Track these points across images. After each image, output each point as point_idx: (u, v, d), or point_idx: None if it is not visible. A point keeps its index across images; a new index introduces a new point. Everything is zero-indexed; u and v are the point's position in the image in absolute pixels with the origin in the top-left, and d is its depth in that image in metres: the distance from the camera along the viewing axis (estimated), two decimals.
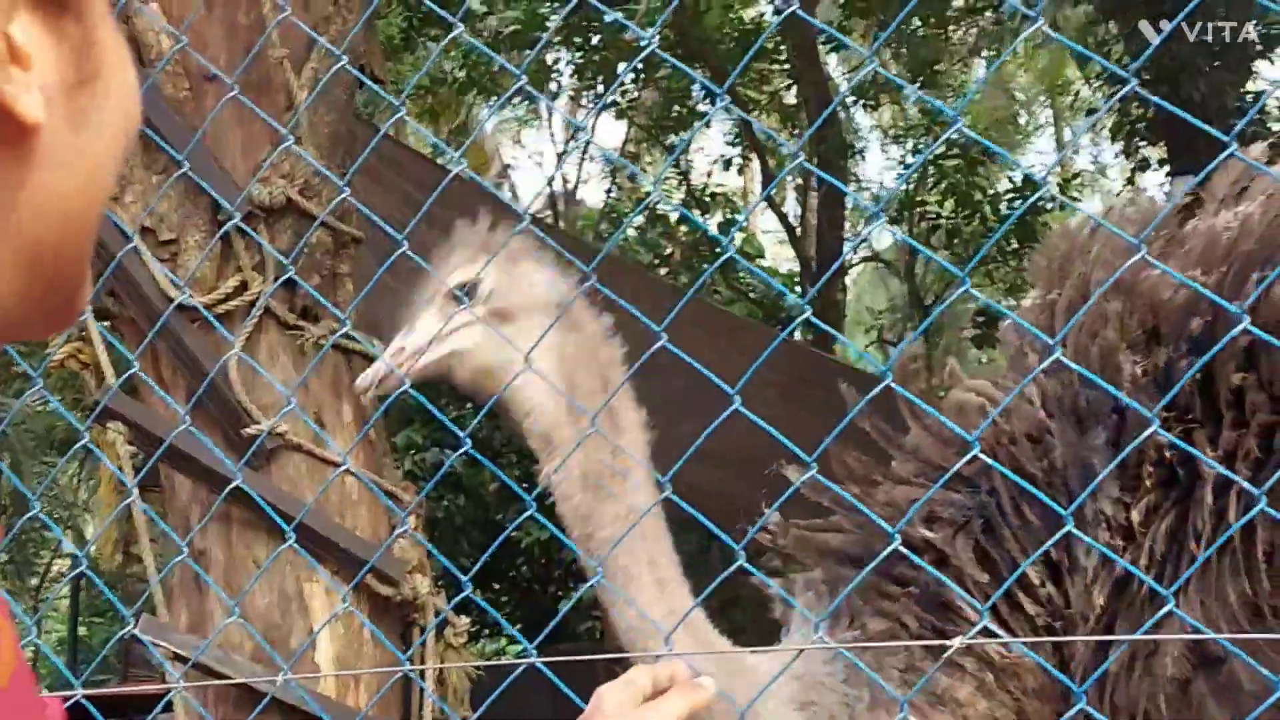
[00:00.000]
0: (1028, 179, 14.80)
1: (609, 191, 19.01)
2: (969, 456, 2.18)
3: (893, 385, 2.09)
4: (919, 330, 15.36)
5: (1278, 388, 2.48)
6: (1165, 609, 1.97)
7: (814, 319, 1.99)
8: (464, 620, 4.79)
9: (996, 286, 15.65)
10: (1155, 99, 2.30)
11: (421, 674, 4.55)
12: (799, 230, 17.32)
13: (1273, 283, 2.48)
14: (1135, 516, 2.52)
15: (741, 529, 2.28)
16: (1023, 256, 14.26)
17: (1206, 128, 2.08)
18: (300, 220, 4.78)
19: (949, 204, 14.83)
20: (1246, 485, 2.06)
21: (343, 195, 2.69)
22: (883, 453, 2.98)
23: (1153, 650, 2.46)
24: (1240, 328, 1.85)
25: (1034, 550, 2.56)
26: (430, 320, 2.82)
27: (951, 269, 2.02)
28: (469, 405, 14.65)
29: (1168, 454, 2.53)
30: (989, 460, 2.30)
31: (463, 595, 2.64)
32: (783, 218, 17.61)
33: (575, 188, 18.27)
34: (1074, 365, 2.26)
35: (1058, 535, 2.09)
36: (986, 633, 1.92)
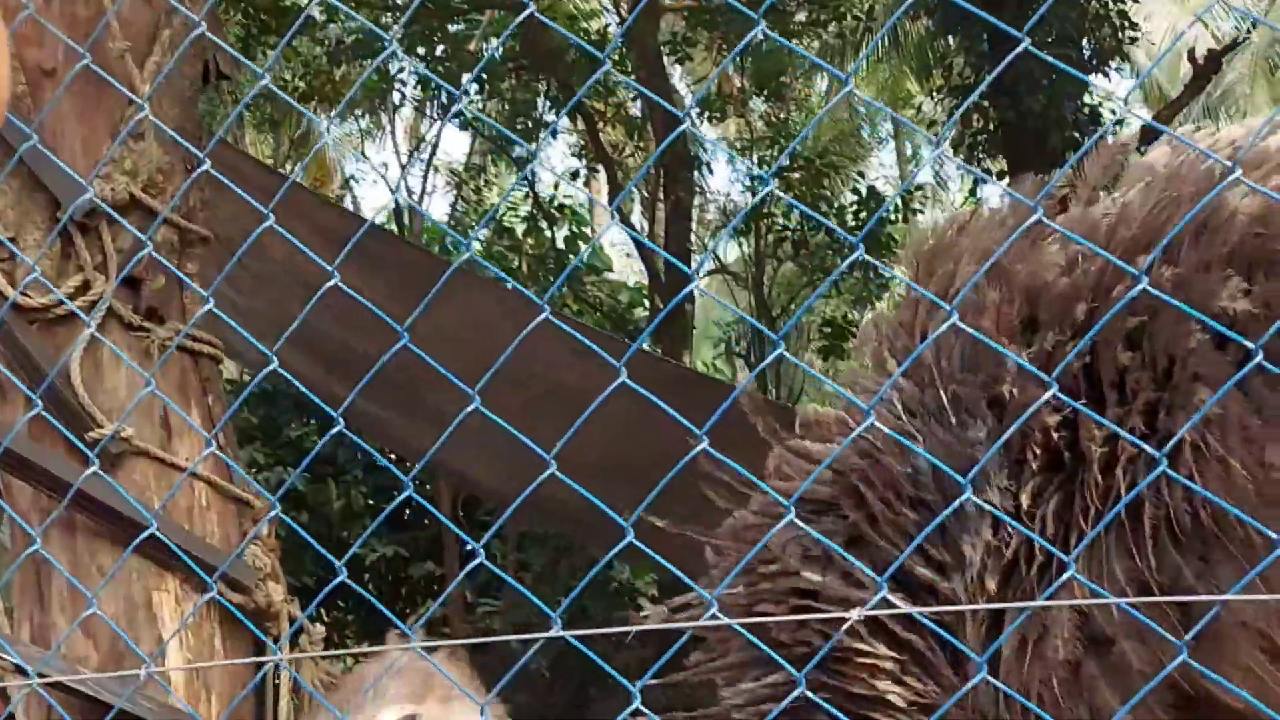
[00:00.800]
0: (872, 190, 15.00)
1: (454, 205, 18.84)
2: (865, 425, 2.13)
3: (785, 355, 2.04)
4: (784, 330, 15.41)
5: (1161, 365, 2.48)
6: (1065, 575, 1.93)
7: (703, 289, 1.92)
8: (319, 628, 4.66)
9: (844, 297, 15.82)
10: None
11: (276, 683, 4.41)
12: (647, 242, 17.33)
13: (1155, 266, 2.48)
14: (1024, 500, 2.49)
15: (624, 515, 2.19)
16: (869, 268, 14.42)
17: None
18: (145, 218, 4.62)
19: (795, 215, 14.96)
20: (1145, 447, 2.05)
21: (203, 167, 2.56)
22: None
23: (1042, 633, 2.44)
24: (1140, 286, 1.83)
25: (915, 552, 2.52)
26: None
27: (847, 236, 1.97)
28: (311, 422, 14.42)
29: (1054, 437, 2.51)
30: (891, 434, 2.25)
31: (335, 582, 2.51)
32: (632, 231, 17.60)
33: (420, 200, 18.05)
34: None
35: (954, 504, 2.04)
36: (885, 604, 1.87)
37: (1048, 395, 1.88)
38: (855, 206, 15.01)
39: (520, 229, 16.88)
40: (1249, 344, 1.82)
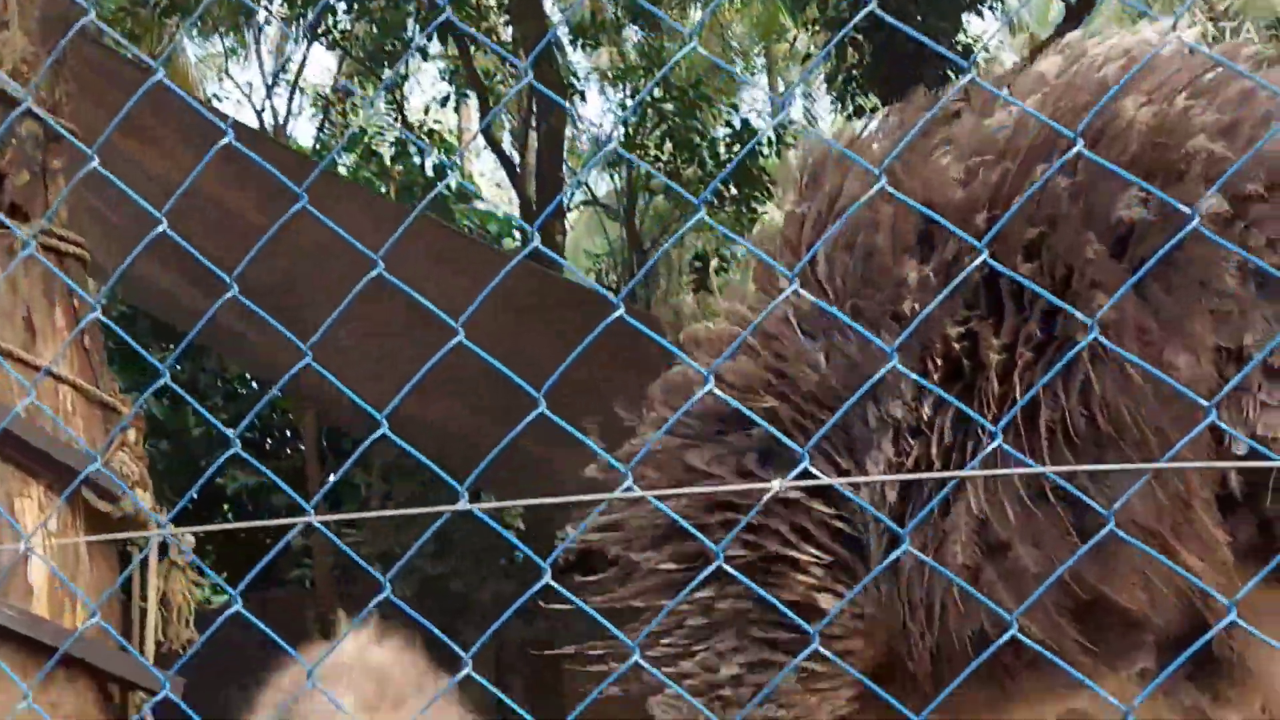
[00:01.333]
0: (745, 124, 15.00)
1: (321, 128, 18.46)
2: (789, 290, 2.09)
3: (706, 219, 1.98)
4: (671, 239, 15.43)
5: (1059, 274, 2.49)
6: (992, 445, 1.93)
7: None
8: (189, 538, 4.54)
9: (716, 231, 15.83)
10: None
11: (144, 593, 4.29)
12: (519, 170, 17.15)
13: (1053, 176, 2.49)
14: (925, 412, 2.50)
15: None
16: (740, 202, 14.48)
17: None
18: (7, 110, 4.43)
19: (668, 147, 14.92)
20: (1077, 313, 2.05)
21: (88, 17, 2.39)
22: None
23: (941, 539, 2.45)
24: (1074, 150, 1.82)
25: (824, 464, 2.52)
26: None
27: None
28: (171, 346, 14.12)
29: (955, 348, 2.52)
30: (818, 302, 2.22)
31: (224, 456, 2.42)
32: (503, 157, 17.39)
33: (286, 122, 17.62)
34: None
35: (879, 374, 2.02)
36: (806, 475, 1.85)
37: (979, 261, 1.85)
38: (729, 139, 15.03)
39: (388, 154, 16.61)
40: (1186, 208, 1.80)
